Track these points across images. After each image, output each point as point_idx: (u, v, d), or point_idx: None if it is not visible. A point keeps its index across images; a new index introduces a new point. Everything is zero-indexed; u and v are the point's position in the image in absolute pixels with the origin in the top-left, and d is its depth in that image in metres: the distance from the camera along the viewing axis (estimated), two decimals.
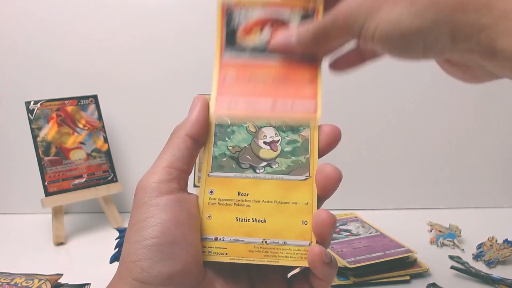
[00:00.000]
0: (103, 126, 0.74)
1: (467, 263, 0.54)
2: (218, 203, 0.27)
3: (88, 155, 0.71)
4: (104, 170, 0.72)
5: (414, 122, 0.77)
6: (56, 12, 0.77)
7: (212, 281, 0.27)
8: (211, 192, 0.28)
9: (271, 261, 0.27)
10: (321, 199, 0.28)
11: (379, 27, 0.23)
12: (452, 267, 0.52)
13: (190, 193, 0.28)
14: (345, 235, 0.59)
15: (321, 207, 0.28)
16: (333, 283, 0.49)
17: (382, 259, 0.50)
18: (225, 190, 0.28)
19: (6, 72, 0.78)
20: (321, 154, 0.29)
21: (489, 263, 0.54)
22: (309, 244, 0.26)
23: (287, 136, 0.29)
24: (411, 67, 0.76)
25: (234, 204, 0.27)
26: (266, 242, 0.27)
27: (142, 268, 0.23)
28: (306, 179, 0.28)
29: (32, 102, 0.68)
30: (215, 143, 0.28)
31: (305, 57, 0.30)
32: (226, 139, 0.29)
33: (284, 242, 0.27)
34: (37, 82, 0.78)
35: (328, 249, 0.29)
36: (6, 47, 0.78)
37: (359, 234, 0.59)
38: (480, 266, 0.54)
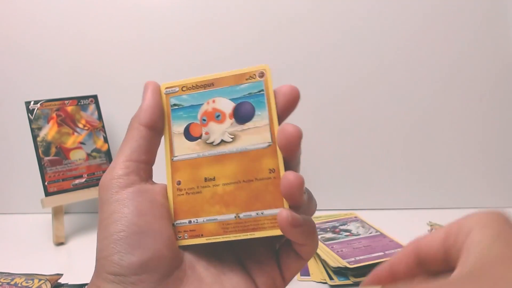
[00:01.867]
0: (103, 126, 0.74)
1: None
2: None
3: (88, 155, 0.71)
4: (104, 170, 0.72)
5: (414, 122, 0.77)
6: (56, 12, 0.77)
7: (193, 264, 0.27)
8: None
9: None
10: (289, 163, 0.27)
11: None
12: None
13: (154, 183, 0.28)
14: (345, 235, 0.59)
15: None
16: (333, 283, 0.49)
17: (382, 259, 0.50)
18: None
19: (6, 72, 0.78)
20: (282, 116, 0.28)
21: None
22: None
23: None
24: (412, 69, 0.76)
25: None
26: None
27: (113, 261, 0.24)
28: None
29: (32, 102, 0.68)
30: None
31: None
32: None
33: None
34: (37, 82, 0.78)
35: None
36: (6, 47, 0.78)
37: (359, 234, 0.59)
38: None
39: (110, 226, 0.25)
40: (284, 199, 0.26)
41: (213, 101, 0.28)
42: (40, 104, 0.69)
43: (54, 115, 0.69)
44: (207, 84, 0.29)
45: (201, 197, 0.27)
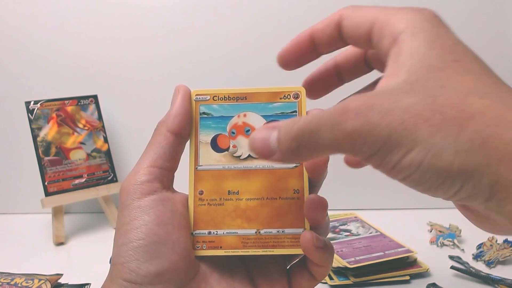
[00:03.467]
0: (103, 126, 0.74)
1: (467, 263, 0.54)
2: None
3: (88, 155, 0.71)
4: (104, 170, 0.72)
5: None
6: (56, 12, 0.77)
7: (206, 276, 0.27)
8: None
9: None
10: (313, 184, 0.28)
11: (409, 156, 0.17)
12: (452, 267, 0.52)
13: (175, 191, 0.28)
14: (345, 235, 0.59)
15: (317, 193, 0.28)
16: (333, 283, 0.49)
17: (382, 259, 0.50)
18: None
19: (6, 72, 0.78)
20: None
21: (489, 263, 0.54)
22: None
23: None
24: None
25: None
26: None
27: (130, 269, 0.24)
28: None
29: (32, 102, 0.68)
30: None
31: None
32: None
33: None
34: (37, 82, 0.78)
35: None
36: (6, 47, 0.78)
37: (359, 234, 0.59)
38: (480, 266, 0.54)
39: (130, 232, 0.25)
40: (305, 220, 0.27)
41: (244, 115, 0.28)
42: (40, 104, 0.69)
43: (54, 115, 0.69)
44: (240, 97, 0.28)
45: (222, 209, 0.27)
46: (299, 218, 0.27)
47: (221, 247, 0.27)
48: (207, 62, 0.77)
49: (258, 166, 0.28)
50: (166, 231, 0.25)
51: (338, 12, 0.24)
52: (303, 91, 0.29)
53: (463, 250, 0.58)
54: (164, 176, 0.27)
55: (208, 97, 0.29)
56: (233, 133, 0.28)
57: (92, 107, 0.73)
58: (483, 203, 0.17)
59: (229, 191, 0.27)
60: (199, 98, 0.29)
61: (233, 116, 0.28)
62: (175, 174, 0.28)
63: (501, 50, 0.75)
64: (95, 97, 0.73)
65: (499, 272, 0.51)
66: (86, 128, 0.72)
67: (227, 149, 0.28)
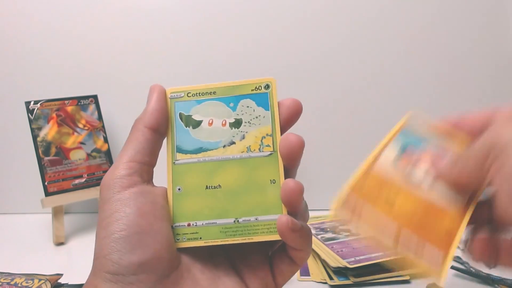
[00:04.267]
0: (103, 126, 0.74)
1: (467, 263, 0.54)
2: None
3: (88, 155, 0.71)
4: (104, 170, 0.72)
5: None
6: (56, 12, 0.77)
7: (189, 266, 0.27)
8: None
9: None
10: (289, 171, 0.28)
11: None
12: (452, 267, 0.52)
13: (155, 186, 0.28)
14: (345, 235, 0.59)
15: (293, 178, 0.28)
16: (333, 283, 0.49)
17: (382, 259, 0.50)
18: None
19: (6, 72, 0.78)
20: (285, 127, 0.29)
21: None
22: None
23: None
24: (411, 70, 0.76)
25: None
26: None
27: (112, 260, 0.24)
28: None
29: (32, 102, 0.68)
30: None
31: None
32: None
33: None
34: (37, 82, 0.78)
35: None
36: (6, 47, 0.78)
37: (359, 234, 0.59)
38: (480, 266, 0.53)
39: (111, 225, 0.25)
40: (282, 206, 0.27)
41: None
42: (40, 104, 0.69)
43: (54, 115, 0.69)
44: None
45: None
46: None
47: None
48: (207, 63, 0.77)
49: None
50: (148, 221, 0.25)
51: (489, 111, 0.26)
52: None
53: (463, 250, 0.58)
54: (144, 170, 0.27)
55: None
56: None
57: (92, 107, 0.73)
58: None
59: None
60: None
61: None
62: (154, 170, 0.29)
63: (501, 50, 0.75)
64: (95, 97, 0.73)
65: (499, 272, 0.51)
66: (86, 128, 0.72)
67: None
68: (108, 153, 0.73)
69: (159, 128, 0.28)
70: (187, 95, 0.29)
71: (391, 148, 0.29)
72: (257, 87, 0.29)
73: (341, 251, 0.53)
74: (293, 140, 0.27)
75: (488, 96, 0.76)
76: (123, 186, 0.26)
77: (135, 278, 0.24)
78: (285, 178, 0.27)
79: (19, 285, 0.45)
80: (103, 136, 0.73)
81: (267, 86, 0.29)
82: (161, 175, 0.30)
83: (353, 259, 0.50)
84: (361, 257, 0.51)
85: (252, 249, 0.29)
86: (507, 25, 0.75)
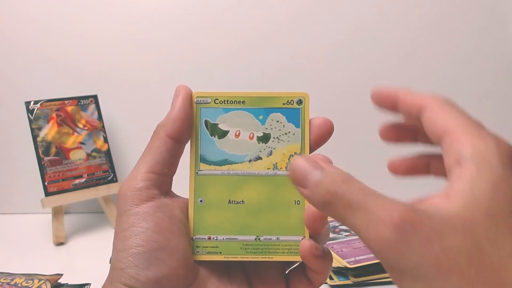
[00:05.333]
0: (103, 126, 0.73)
1: None
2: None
3: (88, 155, 0.71)
4: (104, 170, 0.72)
5: None
6: (56, 12, 0.77)
7: (205, 280, 0.27)
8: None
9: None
10: None
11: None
12: None
13: (173, 196, 0.27)
14: (345, 235, 0.59)
15: None
16: (333, 283, 0.49)
17: None
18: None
19: (6, 72, 0.78)
20: (313, 148, 0.28)
21: None
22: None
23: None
24: (412, 70, 0.76)
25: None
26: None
27: (129, 275, 0.24)
28: None
29: (32, 102, 0.68)
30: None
31: None
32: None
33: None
34: (37, 82, 0.78)
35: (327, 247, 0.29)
36: (6, 47, 0.78)
37: None
38: None
39: (129, 239, 0.25)
40: (305, 227, 0.27)
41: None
42: (40, 104, 0.69)
43: (54, 115, 0.69)
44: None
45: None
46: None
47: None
48: (207, 63, 0.77)
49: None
50: (165, 237, 0.25)
51: (427, 100, 0.24)
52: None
53: None
54: (163, 182, 0.27)
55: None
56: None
57: (92, 107, 0.73)
58: None
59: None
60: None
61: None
62: (176, 177, 0.28)
63: (501, 50, 0.75)
64: (95, 97, 0.73)
65: None
66: (86, 128, 0.72)
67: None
68: (108, 153, 0.73)
69: (182, 137, 0.27)
70: (214, 102, 0.28)
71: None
72: (289, 101, 0.28)
73: (341, 251, 0.53)
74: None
75: (488, 96, 0.76)
76: (141, 199, 0.26)
77: None
78: None
79: (19, 285, 0.45)
80: (103, 136, 0.73)
81: (299, 102, 0.28)
82: (181, 182, 0.29)
83: (353, 259, 0.50)
84: (361, 257, 0.51)
85: (269, 265, 0.29)
86: (507, 25, 0.75)
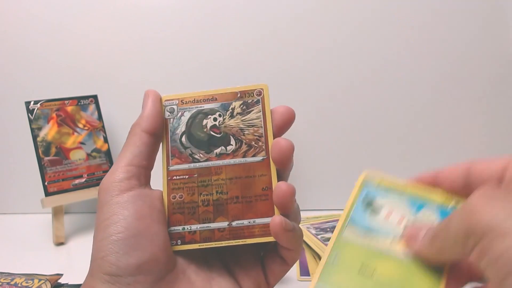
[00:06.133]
0: (103, 126, 0.74)
1: None
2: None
3: (88, 155, 0.71)
4: (104, 170, 0.72)
5: (413, 121, 0.77)
6: (56, 12, 0.77)
7: (184, 268, 0.28)
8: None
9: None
10: (281, 174, 0.29)
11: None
12: None
13: (152, 189, 0.29)
14: None
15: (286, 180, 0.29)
16: None
17: None
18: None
19: (6, 72, 0.78)
20: (276, 135, 0.29)
21: None
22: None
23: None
24: (411, 68, 0.76)
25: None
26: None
27: (110, 262, 0.25)
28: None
29: (32, 102, 0.68)
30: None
31: None
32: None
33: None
34: (37, 82, 0.78)
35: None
36: (6, 47, 0.78)
37: None
38: None
39: (110, 227, 0.25)
40: (275, 209, 0.28)
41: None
42: (40, 104, 0.69)
43: (54, 115, 0.69)
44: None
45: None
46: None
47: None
48: (207, 63, 0.77)
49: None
50: (145, 224, 0.26)
51: (468, 161, 0.25)
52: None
53: None
54: (141, 174, 0.28)
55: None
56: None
57: (92, 107, 0.73)
58: None
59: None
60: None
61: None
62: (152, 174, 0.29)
63: (501, 50, 0.75)
64: (95, 97, 0.73)
65: None
66: (86, 128, 0.72)
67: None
68: (108, 153, 0.73)
69: (156, 131, 0.29)
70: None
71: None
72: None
73: None
74: (283, 144, 0.27)
75: (488, 96, 0.76)
76: (121, 189, 0.26)
77: (132, 279, 0.24)
78: (278, 181, 0.28)
79: (19, 285, 0.45)
80: (103, 136, 0.73)
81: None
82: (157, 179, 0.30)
83: None
84: None
85: (244, 250, 0.30)
86: (507, 25, 0.75)
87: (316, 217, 0.67)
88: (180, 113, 0.30)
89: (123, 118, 0.78)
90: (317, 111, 0.76)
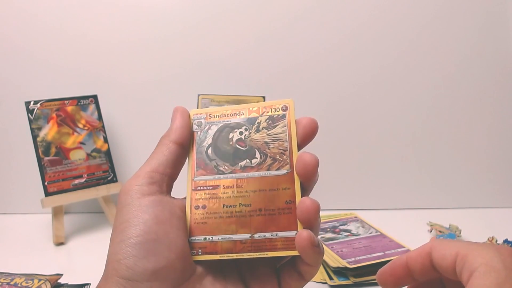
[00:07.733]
0: (103, 126, 0.74)
1: None
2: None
3: (88, 155, 0.71)
4: (104, 170, 0.72)
5: (414, 122, 0.77)
6: (56, 12, 0.77)
7: (201, 278, 0.28)
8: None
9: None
10: (305, 188, 0.29)
11: None
12: None
13: (173, 198, 0.29)
14: (345, 235, 0.59)
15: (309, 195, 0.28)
16: (333, 283, 0.49)
17: (382, 259, 0.50)
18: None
19: (6, 72, 0.78)
20: (300, 146, 0.29)
21: None
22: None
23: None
24: (413, 70, 0.76)
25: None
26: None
27: (127, 265, 0.24)
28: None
29: (32, 102, 0.68)
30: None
31: None
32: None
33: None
34: (37, 82, 0.78)
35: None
36: (6, 47, 0.78)
37: (359, 234, 0.59)
38: None
39: (128, 229, 0.25)
40: (298, 223, 0.27)
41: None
42: (40, 104, 0.69)
43: (54, 115, 0.69)
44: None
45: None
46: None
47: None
48: (207, 63, 0.77)
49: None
50: (164, 230, 0.26)
51: (429, 244, 0.26)
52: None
53: None
54: (164, 181, 0.28)
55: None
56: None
57: (92, 107, 0.73)
58: None
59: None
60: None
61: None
62: (175, 184, 0.29)
63: (501, 50, 0.75)
64: (95, 97, 0.73)
65: None
66: (86, 128, 0.72)
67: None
68: (108, 153, 0.73)
69: (184, 143, 0.29)
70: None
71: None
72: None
73: (341, 251, 0.53)
74: (308, 159, 0.28)
75: (488, 96, 0.76)
76: (143, 193, 0.26)
77: (148, 285, 0.24)
78: (301, 195, 0.28)
79: (19, 285, 0.44)
80: (103, 136, 0.73)
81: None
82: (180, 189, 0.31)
83: (353, 259, 0.51)
84: (361, 257, 0.51)
85: (261, 262, 0.30)
86: (507, 26, 0.75)
87: None
88: (207, 127, 0.31)
89: (123, 118, 0.78)
90: (318, 112, 0.76)
